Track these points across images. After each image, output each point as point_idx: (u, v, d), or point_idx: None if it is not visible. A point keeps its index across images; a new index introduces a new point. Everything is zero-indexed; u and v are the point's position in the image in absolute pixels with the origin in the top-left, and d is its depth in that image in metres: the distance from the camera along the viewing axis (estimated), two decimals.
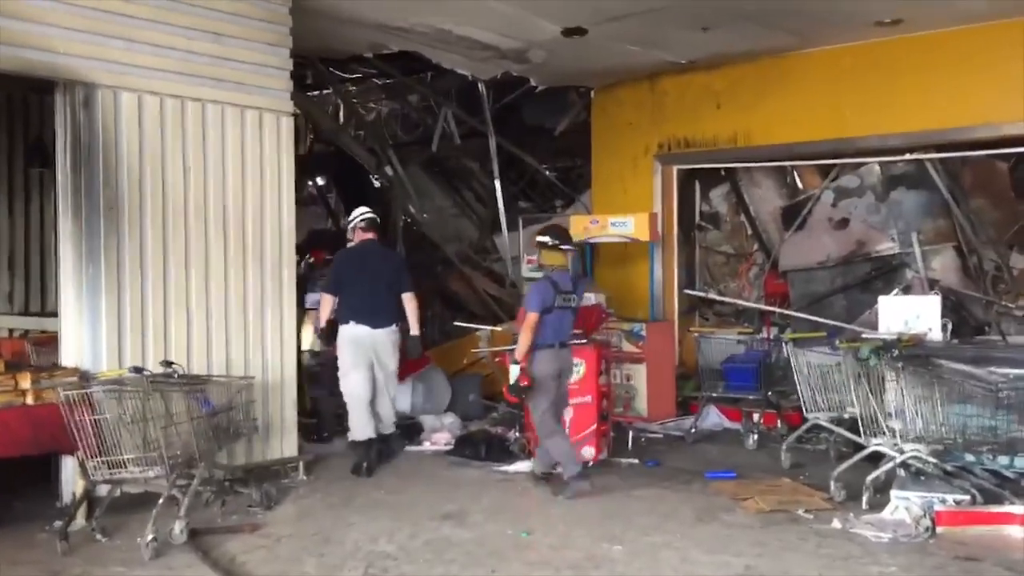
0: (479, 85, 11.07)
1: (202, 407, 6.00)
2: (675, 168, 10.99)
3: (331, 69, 12.05)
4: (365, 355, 7.61)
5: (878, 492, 6.23)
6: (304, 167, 15.42)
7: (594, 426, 7.57)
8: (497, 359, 8.29)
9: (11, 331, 7.98)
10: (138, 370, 5.64)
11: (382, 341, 7.66)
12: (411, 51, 9.43)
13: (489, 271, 12.42)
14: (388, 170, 11.70)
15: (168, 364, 5.88)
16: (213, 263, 6.89)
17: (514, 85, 11.34)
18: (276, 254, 7.29)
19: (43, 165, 8.62)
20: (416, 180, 12.88)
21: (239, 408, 6.22)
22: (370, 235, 7.88)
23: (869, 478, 6.28)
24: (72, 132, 6.28)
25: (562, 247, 6.99)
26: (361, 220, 7.91)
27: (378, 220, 8.07)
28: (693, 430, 8.83)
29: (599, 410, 7.64)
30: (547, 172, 12.52)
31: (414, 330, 7.82)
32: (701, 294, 11.05)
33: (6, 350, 7.72)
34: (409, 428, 8.98)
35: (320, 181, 15.49)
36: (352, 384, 7.63)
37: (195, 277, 6.79)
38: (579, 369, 7.56)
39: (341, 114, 13.80)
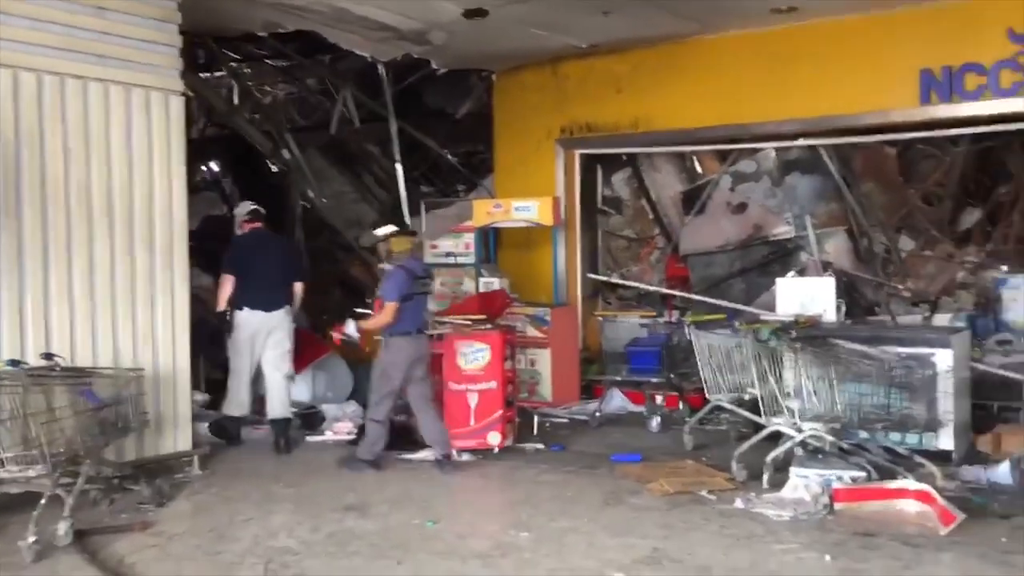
0: (379, 67, 10.83)
1: (88, 401, 5.70)
2: (577, 153, 10.97)
3: (224, 50, 11.66)
4: (257, 340, 7.77)
5: (778, 471, 6.33)
6: (198, 151, 15.02)
7: (500, 412, 7.51)
8: None
9: None
10: (15, 363, 5.30)
11: (277, 324, 7.82)
12: (308, 31, 9.16)
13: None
14: (285, 154, 11.39)
15: (49, 356, 5.54)
16: (98, 250, 6.55)
17: (416, 68, 11.16)
18: (167, 240, 6.98)
19: None
20: (315, 164, 12.57)
21: (128, 401, 5.94)
22: (258, 224, 8.10)
23: (769, 457, 6.38)
24: None
25: (407, 232, 7.30)
26: (247, 213, 8.14)
27: (263, 212, 8.26)
28: (597, 414, 8.86)
29: (505, 396, 7.58)
30: (449, 156, 12.36)
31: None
32: (604, 278, 11.09)
33: None
34: (310, 418, 8.77)
35: (215, 166, 15.02)
36: (240, 365, 7.77)
37: (78, 265, 6.44)
38: (484, 354, 7.49)
39: (236, 97, 13.37)
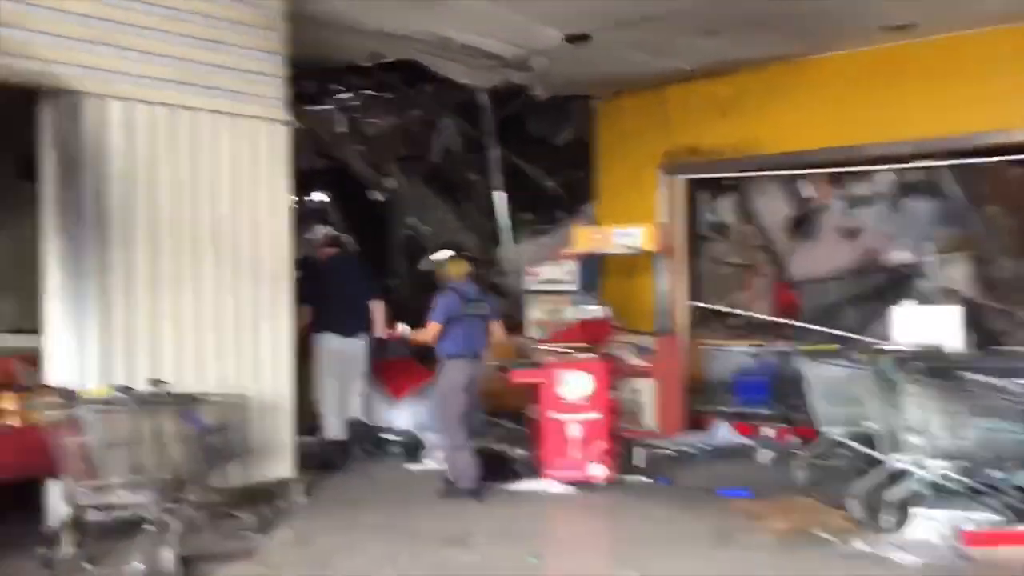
0: (481, 95, 10.84)
1: (194, 426, 5.76)
2: (681, 178, 10.75)
3: (331, 83, 11.87)
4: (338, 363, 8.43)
5: (899, 510, 5.95)
6: (307, 181, 15.36)
7: (603, 443, 7.31)
8: (501, 374, 8.06)
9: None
10: (126, 389, 5.38)
11: (354, 346, 8.54)
12: (410, 61, 9.23)
13: (492, 285, 12.16)
14: (389, 183, 11.46)
15: (157, 382, 5.63)
16: (207, 277, 6.64)
17: (517, 96, 11.13)
18: (273, 267, 7.04)
19: (33, 179, 8.37)
20: (418, 193, 12.67)
21: (232, 428, 5.97)
22: (334, 250, 8.93)
23: (890, 496, 6.00)
24: (58, 144, 6.04)
25: (463, 255, 7.52)
26: (325, 238, 8.98)
27: (338, 236, 9.21)
28: (704, 446, 8.57)
29: (608, 427, 7.38)
30: (550, 183, 12.26)
31: (378, 332, 8.48)
32: (709, 306, 10.78)
33: None
34: (411, 446, 8.73)
35: (322, 197, 15.33)
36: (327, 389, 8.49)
37: (188, 292, 6.54)
38: (587, 383, 7.32)
39: (343, 129, 13.58)
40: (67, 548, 5.45)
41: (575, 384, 7.33)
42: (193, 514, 5.60)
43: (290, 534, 6.13)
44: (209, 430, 5.81)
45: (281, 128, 7.14)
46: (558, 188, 12.24)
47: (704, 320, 10.98)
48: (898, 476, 6.20)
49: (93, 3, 6.08)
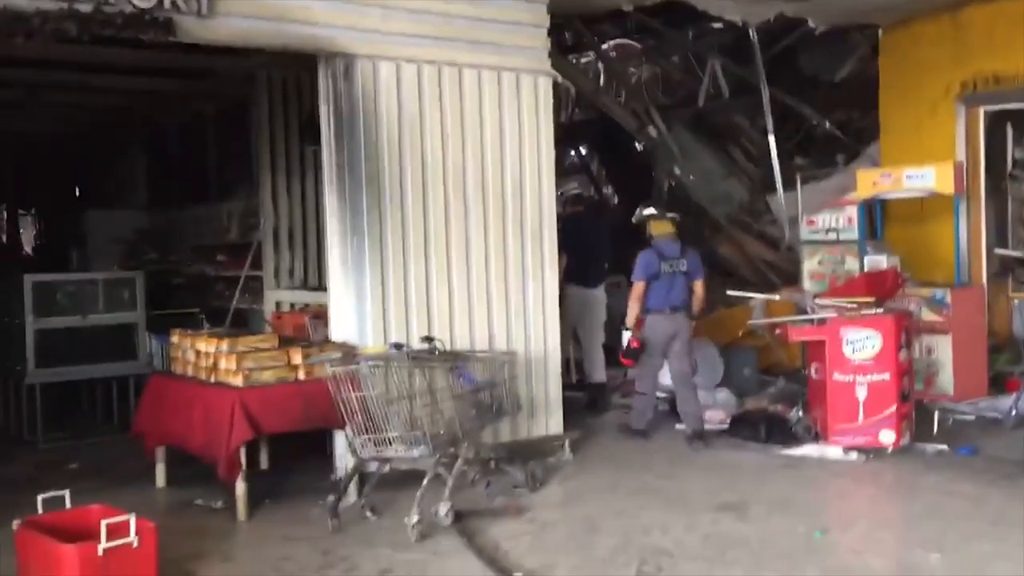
0: (750, 32, 10.16)
1: (465, 383, 5.79)
2: (982, 110, 9.55)
3: (590, 34, 11.64)
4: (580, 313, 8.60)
5: None
6: (567, 135, 15.32)
7: (894, 407, 6.64)
8: (777, 331, 7.54)
9: (292, 305, 8.22)
10: (398, 346, 5.48)
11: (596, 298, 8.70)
12: (675, 1, 8.75)
13: (761, 234, 11.51)
14: (651, 131, 11.08)
15: (429, 340, 5.69)
16: (473, 233, 6.65)
17: (787, 31, 10.35)
18: (536, 222, 6.95)
19: (315, 143, 8.80)
20: (681, 141, 12.18)
21: (502, 384, 5.96)
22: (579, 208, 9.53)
23: None
24: (334, 106, 6.23)
25: (668, 216, 7.66)
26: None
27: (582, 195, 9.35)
28: (1013, 412, 7.60)
29: (899, 389, 6.69)
30: (827, 124, 11.34)
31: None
32: (1016, 254, 9.56)
33: (288, 324, 7.95)
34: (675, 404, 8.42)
35: (582, 150, 15.21)
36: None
37: (455, 248, 6.58)
38: (875, 342, 6.66)
39: (602, 79, 13.31)
40: (351, 497, 5.70)
41: (861, 342, 6.69)
42: (467, 469, 5.66)
43: (559, 493, 6.06)
44: (480, 387, 5.84)
45: (544, 80, 6.99)
46: (836, 129, 11.29)
47: (1010, 270, 9.80)
48: None
49: None
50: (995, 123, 9.73)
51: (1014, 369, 8.25)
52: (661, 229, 7.52)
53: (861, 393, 6.69)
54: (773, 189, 10.89)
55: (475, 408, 5.80)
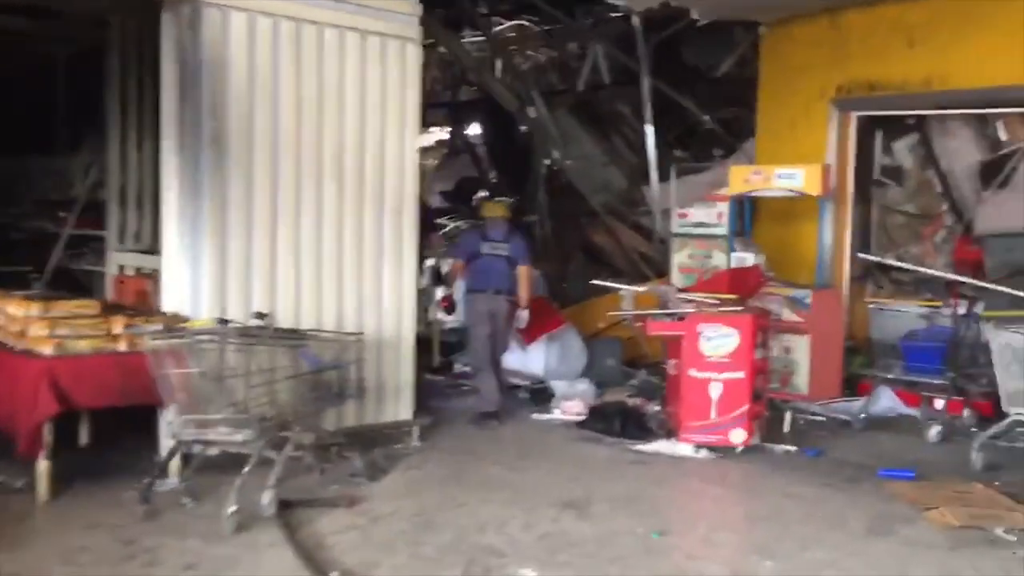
0: (632, 19, 10.02)
1: (308, 364, 5.44)
2: (854, 115, 9.66)
3: (486, 13, 11.32)
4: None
5: None
6: (455, 115, 14.97)
7: (746, 406, 6.59)
8: (638, 324, 7.43)
9: (138, 269, 7.67)
10: (224, 322, 5.08)
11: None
12: None
13: (637, 225, 11.45)
14: (531, 112, 10.84)
15: (261, 316, 5.30)
16: (327, 205, 6.28)
17: (673, 21, 10.25)
18: (397, 198, 6.62)
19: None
20: (563, 125, 12.00)
21: (347, 367, 5.62)
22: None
23: None
24: (177, 57, 5.75)
25: (498, 200, 8.04)
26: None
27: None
28: (863, 415, 7.71)
29: (753, 388, 6.65)
30: (706, 118, 11.33)
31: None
32: (877, 259, 9.74)
33: (130, 289, 7.44)
34: (539, 393, 8.27)
35: (471, 131, 14.92)
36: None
37: (307, 219, 6.19)
38: (732, 340, 6.60)
39: (498, 64, 12.98)
40: (171, 481, 5.28)
41: (718, 340, 6.61)
42: (301, 455, 5.31)
43: (400, 483, 5.77)
44: (321, 368, 5.49)
45: (413, 48, 6.65)
46: (715, 123, 11.29)
47: (870, 274, 9.99)
48: None
49: None
50: (867, 129, 9.88)
51: (867, 372, 8.36)
52: (492, 212, 7.80)
53: (715, 391, 6.62)
54: (649, 180, 10.81)
55: (314, 390, 5.44)
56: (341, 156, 6.32)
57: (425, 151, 18.06)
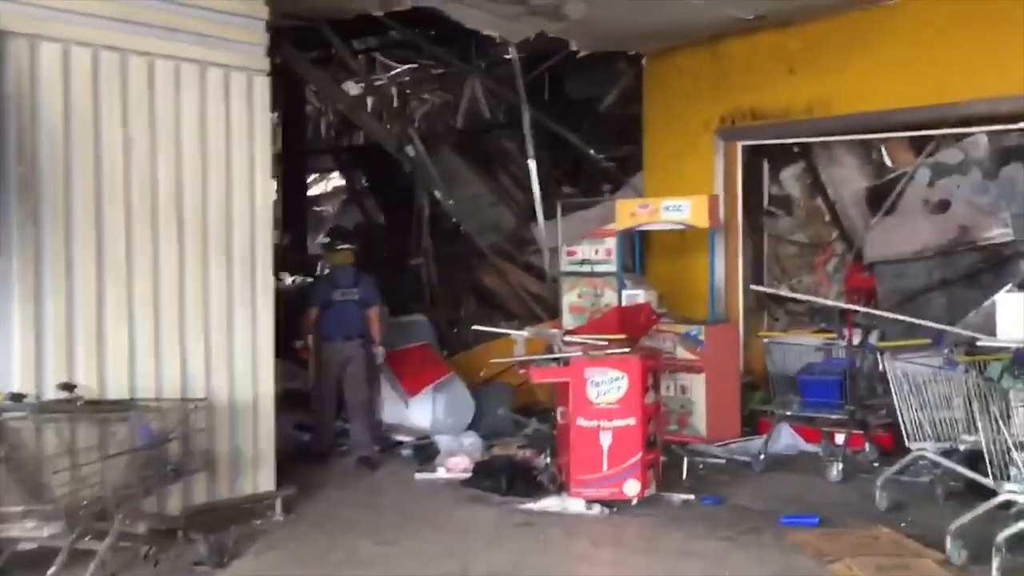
0: (510, 50, 9.65)
1: (141, 437, 4.74)
2: (740, 145, 9.45)
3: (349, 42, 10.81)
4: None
5: (1011, 553, 4.70)
6: (348, 160, 14.42)
7: (639, 455, 6.12)
8: (522, 371, 6.92)
9: None
10: (17, 397, 4.35)
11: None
12: (429, 9, 8.06)
13: (528, 265, 11.00)
14: (409, 151, 10.34)
15: (69, 387, 4.59)
16: (164, 257, 5.60)
17: (555, 52, 9.92)
18: (247, 246, 5.98)
19: None
20: (449, 164, 11.55)
21: (186, 438, 4.93)
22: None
23: (1002, 535, 4.73)
24: None
25: (341, 247, 7.97)
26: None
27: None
28: (762, 455, 7.33)
29: (645, 435, 6.19)
30: (591, 152, 11.00)
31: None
32: (770, 290, 9.48)
33: None
34: (423, 450, 7.66)
35: (362, 180, 14.44)
36: None
37: (140, 274, 5.49)
38: (620, 384, 6.14)
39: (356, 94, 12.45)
40: None
41: (607, 384, 6.14)
42: (123, 545, 4.59)
43: (250, 569, 5.08)
44: (157, 442, 4.79)
45: (261, 80, 6.06)
46: (602, 158, 10.97)
47: (764, 307, 9.73)
48: (1013, 510, 4.94)
49: None
50: (754, 158, 9.67)
51: (766, 408, 8.02)
52: (337, 259, 7.89)
53: (605, 440, 6.14)
54: (536, 218, 10.39)
55: (145, 468, 4.75)
56: (179, 201, 5.67)
57: (324, 197, 17.58)
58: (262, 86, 6.04)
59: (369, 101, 12.40)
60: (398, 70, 13.16)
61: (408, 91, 13.34)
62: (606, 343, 6.50)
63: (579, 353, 6.36)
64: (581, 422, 6.16)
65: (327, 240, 8.29)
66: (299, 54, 9.52)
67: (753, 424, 8.21)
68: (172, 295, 5.62)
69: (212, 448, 5.37)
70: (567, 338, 6.87)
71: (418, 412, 8.18)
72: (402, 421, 8.31)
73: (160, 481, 4.88)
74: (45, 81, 5.12)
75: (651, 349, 6.78)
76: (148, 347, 5.50)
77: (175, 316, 5.62)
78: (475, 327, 8.31)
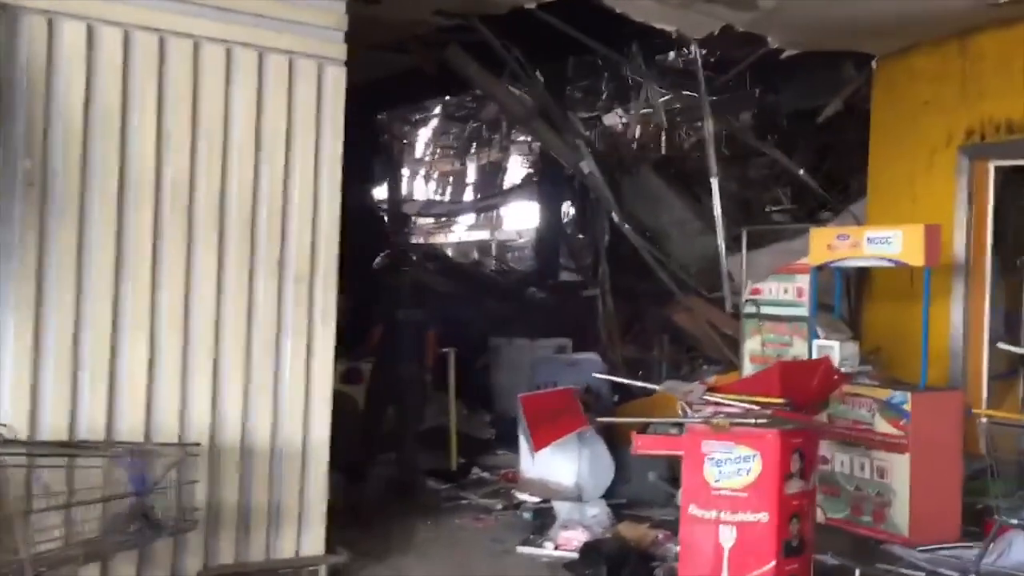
0: (692, 47, 8.26)
1: (131, 485, 3.97)
2: (992, 164, 7.49)
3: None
4: None
5: None
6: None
7: (772, 563, 4.54)
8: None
9: None
10: None
11: None
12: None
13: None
14: (584, 166, 9.17)
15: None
16: (200, 271, 4.81)
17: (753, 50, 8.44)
18: (306, 261, 5.09)
19: None
20: (649, 185, 10.33)
21: (171, 489, 4.08)
22: None
23: None
24: None
25: None
26: None
27: None
28: (987, 568, 5.43)
29: (783, 536, 4.59)
30: (802, 173, 9.30)
31: None
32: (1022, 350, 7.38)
33: None
34: (544, 513, 6.44)
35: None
36: None
37: (168, 291, 4.73)
38: (751, 464, 4.60)
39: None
40: None
41: (731, 464, 4.63)
42: None
43: None
44: (137, 490, 3.99)
45: (335, 70, 5.17)
46: (812, 178, 9.25)
47: (1017, 371, 7.61)
48: None
49: None
50: (1010, 182, 7.65)
51: (996, 506, 6.04)
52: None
53: (727, 539, 4.61)
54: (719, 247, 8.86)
55: (125, 521, 3.95)
56: (224, 207, 4.87)
57: None
58: (336, 78, 5.15)
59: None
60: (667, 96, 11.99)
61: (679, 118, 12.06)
62: (757, 407, 4.98)
63: (698, 420, 4.88)
64: (694, 511, 4.68)
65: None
66: (467, 57, 8.69)
67: (978, 524, 6.24)
68: (207, 316, 4.81)
69: (217, 500, 4.51)
70: (707, 397, 5.38)
71: (566, 467, 6.94)
72: (540, 476, 7.11)
73: (139, 539, 4.05)
74: (64, 65, 4.49)
75: (808, 420, 5.14)
76: (173, 374, 4.72)
77: (209, 339, 4.82)
78: (595, 374, 6.96)
